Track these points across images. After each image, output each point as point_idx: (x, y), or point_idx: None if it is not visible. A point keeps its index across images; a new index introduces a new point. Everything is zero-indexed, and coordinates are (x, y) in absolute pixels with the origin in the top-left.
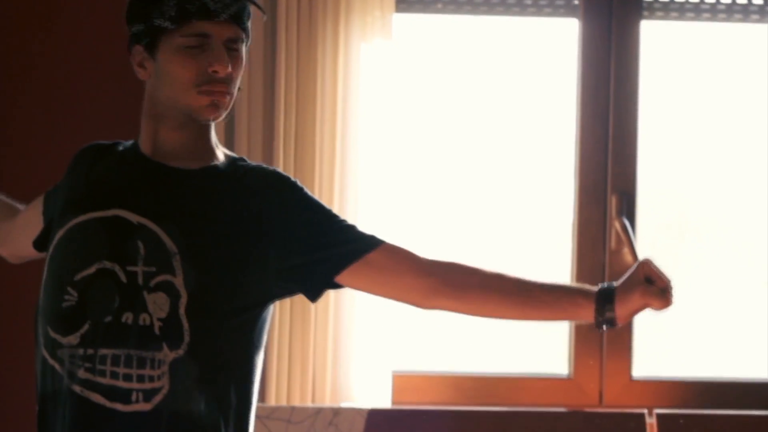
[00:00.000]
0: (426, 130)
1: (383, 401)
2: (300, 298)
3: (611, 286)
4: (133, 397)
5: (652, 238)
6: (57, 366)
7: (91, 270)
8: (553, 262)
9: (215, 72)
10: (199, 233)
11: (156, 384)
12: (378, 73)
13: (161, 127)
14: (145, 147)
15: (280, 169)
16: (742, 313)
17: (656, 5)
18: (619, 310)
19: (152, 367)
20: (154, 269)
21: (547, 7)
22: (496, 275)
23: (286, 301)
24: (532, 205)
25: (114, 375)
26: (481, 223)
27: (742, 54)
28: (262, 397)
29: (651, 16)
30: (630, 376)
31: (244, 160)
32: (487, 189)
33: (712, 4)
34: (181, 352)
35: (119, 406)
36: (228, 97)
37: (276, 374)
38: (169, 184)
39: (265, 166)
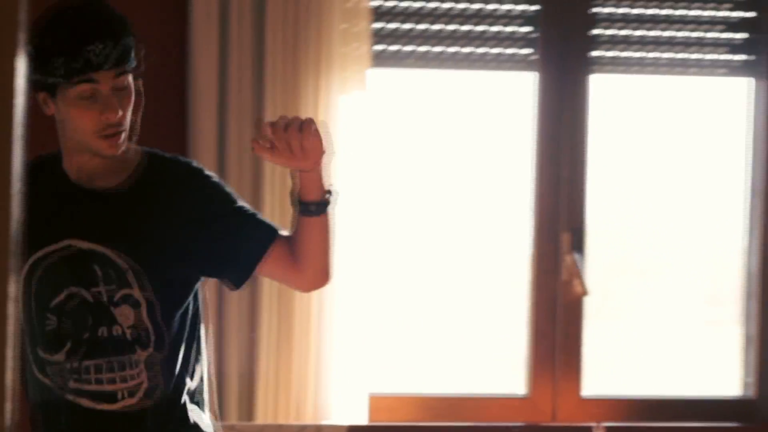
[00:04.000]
0: (398, 173)
1: (360, 420)
2: (286, 329)
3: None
4: (119, 396)
5: (599, 269)
6: (47, 380)
7: (62, 297)
8: (513, 290)
9: (108, 119)
10: (140, 247)
11: (137, 381)
12: (355, 121)
13: (81, 156)
14: (72, 173)
15: (195, 163)
16: (677, 338)
17: (604, 60)
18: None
19: (131, 368)
20: (114, 287)
21: (507, 62)
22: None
23: (273, 329)
24: (495, 241)
25: (98, 381)
26: (449, 259)
27: (682, 103)
28: (250, 415)
29: (600, 70)
30: (579, 395)
31: (157, 156)
32: (454, 228)
33: (654, 59)
34: (150, 349)
35: (106, 406)
36: (123, 133)
37: (263, 395)
38: (104, 208)
39: (180, 159)
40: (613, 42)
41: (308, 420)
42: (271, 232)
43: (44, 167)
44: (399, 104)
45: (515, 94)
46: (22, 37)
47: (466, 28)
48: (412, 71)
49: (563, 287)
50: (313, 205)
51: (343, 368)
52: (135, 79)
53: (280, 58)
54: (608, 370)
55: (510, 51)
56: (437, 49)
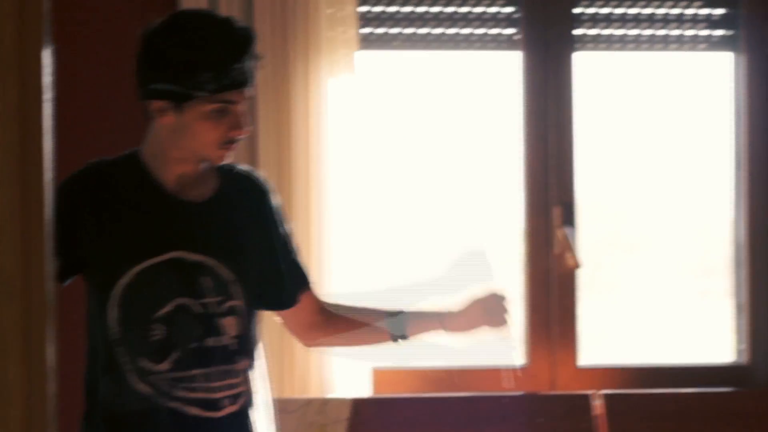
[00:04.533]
0: (388, 152)
1: (364, 393)
2: None
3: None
4: (224, 403)
5: (590, 243)
6: (148, 389)
7: (169, 308)
8: (506, 266)
9: (239, 135)
10: (237, 258)
11: (239, 389)
12: (344, 103)
13: (184, 166)
14: (169, 183)
15: (256, 172)
16: (671, 309)
17: (587, 38)
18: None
19: (234, 377)
20: (221, 298)
21: (492, 42)
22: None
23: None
24: (486, 218)
25: (207, 390)
26: (441, 235)
27: (664, 78)
28: None
29: (583, 48)
30: (576, 364)
31: (231, 168)
32: (446, 204)
33: (635, 36)
34: (249, 359)
35: (213, 414)
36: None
37: (270, 370)
38: (204, 219)
39: (251, 171)
40: (596, 20)
41: (313, 394)
42: (305, 278)
43: (120, 174)
44: (387, 85)
45: (501, 74)
46: (47, 31)
47: (450, 9)
48: (399, 53)
49: (556, 260)
50: (405, 339)
51: None
52: None
53: (269, 43)
54: (604, 341)
55: (494, 31)
56: (423, 30)
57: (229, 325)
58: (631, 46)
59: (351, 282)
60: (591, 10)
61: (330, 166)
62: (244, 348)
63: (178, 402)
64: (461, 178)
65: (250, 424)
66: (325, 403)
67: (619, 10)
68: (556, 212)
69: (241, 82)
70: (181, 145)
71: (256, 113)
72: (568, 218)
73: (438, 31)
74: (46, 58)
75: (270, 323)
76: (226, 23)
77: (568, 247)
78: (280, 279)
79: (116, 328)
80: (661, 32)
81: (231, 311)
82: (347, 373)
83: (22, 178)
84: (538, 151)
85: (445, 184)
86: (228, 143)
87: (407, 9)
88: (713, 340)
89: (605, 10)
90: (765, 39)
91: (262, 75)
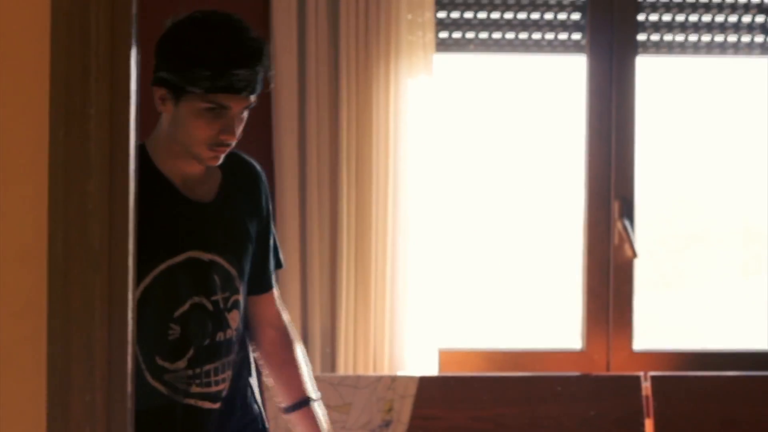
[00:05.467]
0: (463, 149)
1: (431, 371)
2: (363, 289)
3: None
4: (223, 394)
5: (649, 237)
6: (162, 387)
7: (186, 306)
8: (569, 255)
9: (227, 140)
10: (237, 253)
11: (226, 374)
12: (422, 102)
13: (184, 162)
14: (176, 180)
15: (249, 158)
16: (721, 299)
17: (649, 44)
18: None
19: (230, 368)
20: (228, 294)
21: (560, 46)
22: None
23: (351, 289)
24: (552, 210)
25: (216, 383)
26: (510, 227)
27: (722, 81)
28: (333, 367)
29: (645, 52)
30: (631, 348)
31: (229, 158)
32: (515, 199)
33: (694, 43)
34: (242, 348)
35: (217, 405)
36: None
37: (343, 349)
38: (211, 218)
39: (243, 158)
40: (658, 26)
41: (384, 371)
42: (279, 261)
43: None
44: (463, 86)
45: (566, 76)
46: (134, 33)
47: (522, 15)
48: (473, 56)
49: (615, 251)
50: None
51: (416, 325)
52: None
53: (353, 46)
54: (658, 327)
55: (562, 36)
56: (496, 35)
57: (233, 319)
58: (690, 51)
59: (426, 277)
60: (654, 17)
61: (408, 163)
62: (240, 338)
63: (194, 398)
64: (530, 173)
65: (244, 402)
66: (394, 380)
67: (680, 17)
68: (616, 206)
69: (237, 88)
70: (178, 139)
71: (340, 112)
72: (627, 212)
73: (510, 35)
74: (133, 60)
75: (344, 304)
76: (240, 30)
77: (626, 238)
78: (264, 264)
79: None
80: (719, 38)
81: (235, 305)
82: (416, 352)
83: (111, 170)
84: (601, 148)
85: (515, 179)
86: (218, 145)
87: (482, 15)
88: (761, 327)
89: (667, 17)
90: None
91: (345, 75)
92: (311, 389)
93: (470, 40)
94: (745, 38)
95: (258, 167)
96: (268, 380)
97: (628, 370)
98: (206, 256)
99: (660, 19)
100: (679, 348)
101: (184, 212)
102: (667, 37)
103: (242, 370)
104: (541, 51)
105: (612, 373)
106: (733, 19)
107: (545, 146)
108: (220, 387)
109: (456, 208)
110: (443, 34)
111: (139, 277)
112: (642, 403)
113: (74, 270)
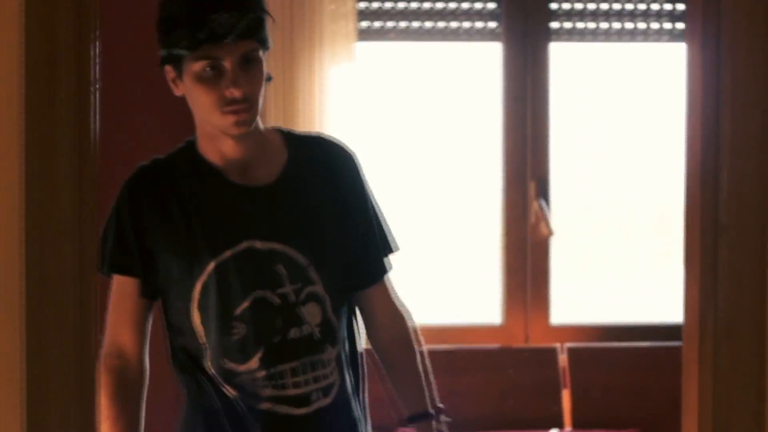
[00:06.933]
0: (382, 132)
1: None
2: None
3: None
4: (314, 397)
5: (565, 220)
6: (233, 392)
7: (248, 302)
8: (486, 234)
9: (231, 94)
10: (312, 240)
11: (330, 380)
12: (345, 88)
13: (221, 143)
14: (220, 164)
15: (333, 139)
16: (630, 270)
17: (562, 31)
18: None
19: (323, 367)
20: (299, 285)
21: (477, 34)
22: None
23: None
24: (468, 191)
25: (296, 385)
26: (432, 207)
27: (626, 66)
28: None
29: (558, 39)
30: (549, 322)
31: (297, 138)
32: (433, 180)
33: (605, 30)
34: (338, 345)
35: (304, 410)
36: (251, 111)
37: None
38: (270, 203)
39: (322, 139)
40: (570, 14)
41: None
42: (388, 246)
43: (180, 165)
44: (384, 73)
45: (482, 63)
46: (97, 26)
47: (440, 5)
48: (393, 44)
49: (531, 229)
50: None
51: None
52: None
53: (279, 36)
54: (574, 302)
55: (479, 24)
56: (415, 24)
57: (311, 313)
58: (601, 38)
59: None
60: (566, 6)
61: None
62: (330, 335)
63: (269, 402)
64: (447, 155)
65: (349, 414)
66: None
67: (591, 6)
68: (532, 186)
69: (220, 34)
70: (199, 116)
71: (267, 99)
72: (543, 192)
73: (428, 24)
74: (96, 51)
75: None
76: None
77: (543, 217)
78: (362, 253)
79: (199, 332)
80: (629, 25)
81: (310, 298)
82: None
83: (79, 147)
84: (517, 131)
85: (433, 162)
86: (228, 105)
87: (401, 5)
88: (667, 299)
89: (579, 6)
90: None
91: (271, 63)
92: (431, 401)
93: (391, 29)
94: (654, 25)
95: (343, 147)
96: (387, 385)
97: (545, 343)
98: (264, 245)
99: (572, 7)
100: (594, 322)
101: (234, 199)
102: (580, 25)
103: (343, 372)
104: (459, 39)
105: (530, 345)
106: (642, 6)
107: (464, 130)
108: (302, 390)
109: (379, 190)
110: (365, 23)
111: (195, 274)
112: (559, 373)
113: (47, 237)
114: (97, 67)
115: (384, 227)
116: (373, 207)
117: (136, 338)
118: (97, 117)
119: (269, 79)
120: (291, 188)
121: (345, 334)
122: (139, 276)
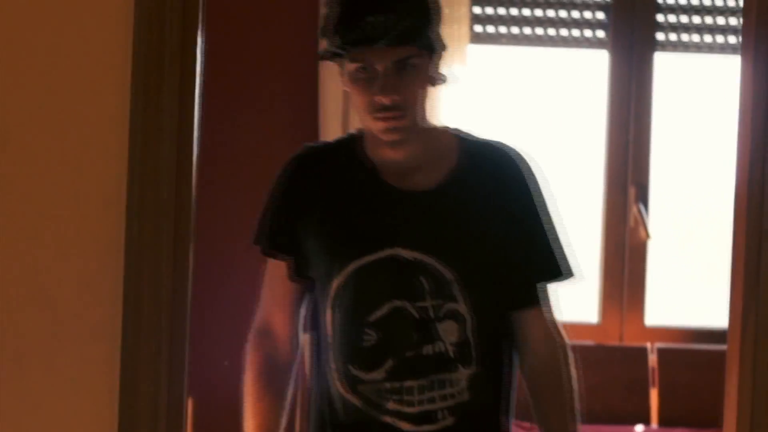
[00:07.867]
0: (491, 134)
1: None
2: None
3: None
4: (440, 416)
5: (660, 220)
6: (356, 400)
7: (384, 310)
8: (586, 236)
9: (380, 101)
10: (463, 255)
11: (458, 399)
12: (457, 89)
13: (378, 142)
14: (381, 166)
15: (510, 148)
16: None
17: (667, 42)
18: None
19: (451, 386)
20: (440, 301)
21: (584, 42)
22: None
23: None
24: (571, 194)
25: (421, 402)
26: None
27: (727, 77)
28: None
29: (664, 50)
30: (643, 323)
31: (471, 143)
32: None
33: (709, 43)
34: (474, 367)
35: (427, 428)
36: (404, 119)
37: None
38: (426, 211)
39: (496, 147)
40: (675, 27)
41: None
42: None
43: (341, 156)
44: (494, 75)
45: (589, 69)
46: (200, 24)
47: (550, 13)
48: (504, 48)
49: (630, 233)
50: None
51: None
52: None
53: None
54: (670, 304)
55: (587, 33)
56: (526, 30)
57: (447, 331)
58: (705, 50)
59: None
60: (672, 18)
61: None
62: (466, 355)
63: (391, 416)
64: (552, 159)
65: None
66: None
67: (696, 19)
68: (632, 191)
69: (371, 38)
70: (359, 117)
71: None
72: (642, 197)
73: (539, 31)
74: (199, 47)
75: None
76: None
77: (641, 221)
78: (522, 273)
79: (329, 331)
80: (732, 39)
81: (449, 315)
82: None
83: (179, 136)
84: (619, 137)
85: (538, 163)
86: (379, 111)
87: (513, 12)
88: None
89: (684, 19)
90: None
91: None
92: None
93: (503, 35)
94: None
95: (518, 157)
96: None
97: (639, 343)
98: (410, 254)
99: (678, 20)
100: (687, 324)
101: (386, 203)
102: (684, 37)
103: (478, 393)
104: (568, 46)
105: (622, 344)
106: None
107: (568, 134)
108: (426, 408)
109: None
110: (478, 28)
111: (333, 274)
112: (648, 372)
113: (146, 214)
114: (200, 61)
115: (553, 249)
116: (543, 226)
117: (287, 319)
118: (198, 107)
119: (442, 81)
120: (450, 197)
121: (490, 355)
122: (290, 256)
